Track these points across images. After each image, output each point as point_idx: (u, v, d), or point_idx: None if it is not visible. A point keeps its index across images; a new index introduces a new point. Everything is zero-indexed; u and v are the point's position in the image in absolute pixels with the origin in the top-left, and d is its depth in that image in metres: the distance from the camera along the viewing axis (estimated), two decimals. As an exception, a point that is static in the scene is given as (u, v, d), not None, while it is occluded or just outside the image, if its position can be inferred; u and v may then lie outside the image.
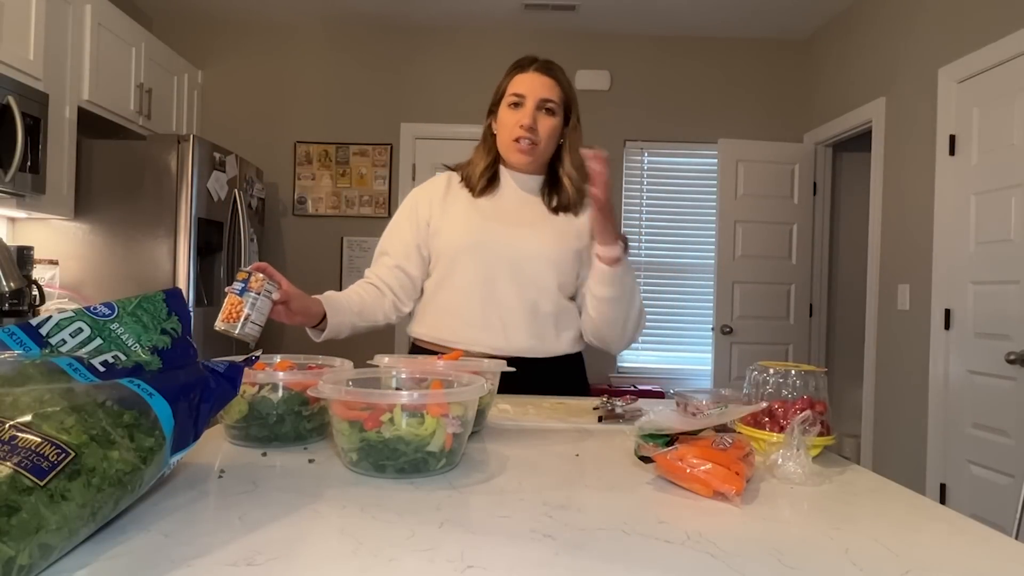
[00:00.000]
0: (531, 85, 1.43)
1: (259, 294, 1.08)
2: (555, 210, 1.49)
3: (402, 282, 1.50)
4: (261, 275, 1.09)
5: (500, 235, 1.44)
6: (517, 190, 1.51)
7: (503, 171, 1.52)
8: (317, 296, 1.33)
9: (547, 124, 1.43)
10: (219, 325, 1.07)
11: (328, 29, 4.26)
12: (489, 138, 1.52)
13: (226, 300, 1.07)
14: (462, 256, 1.45)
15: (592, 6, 3.90)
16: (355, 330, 1.42)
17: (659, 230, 4.34)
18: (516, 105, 1.43)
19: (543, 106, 1.42)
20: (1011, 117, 2.60)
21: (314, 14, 4.15)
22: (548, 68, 1.46)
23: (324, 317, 1.32)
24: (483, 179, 1.49)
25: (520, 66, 1.46)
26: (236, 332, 1.06)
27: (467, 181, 1.52)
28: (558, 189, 1.49)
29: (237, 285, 1.07)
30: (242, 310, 1.06)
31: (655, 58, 4.29)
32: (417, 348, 1.51)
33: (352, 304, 1.41)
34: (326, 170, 4.26)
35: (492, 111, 1.51)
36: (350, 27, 4.25)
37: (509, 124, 1.44)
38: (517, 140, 1.43)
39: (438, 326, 1.48)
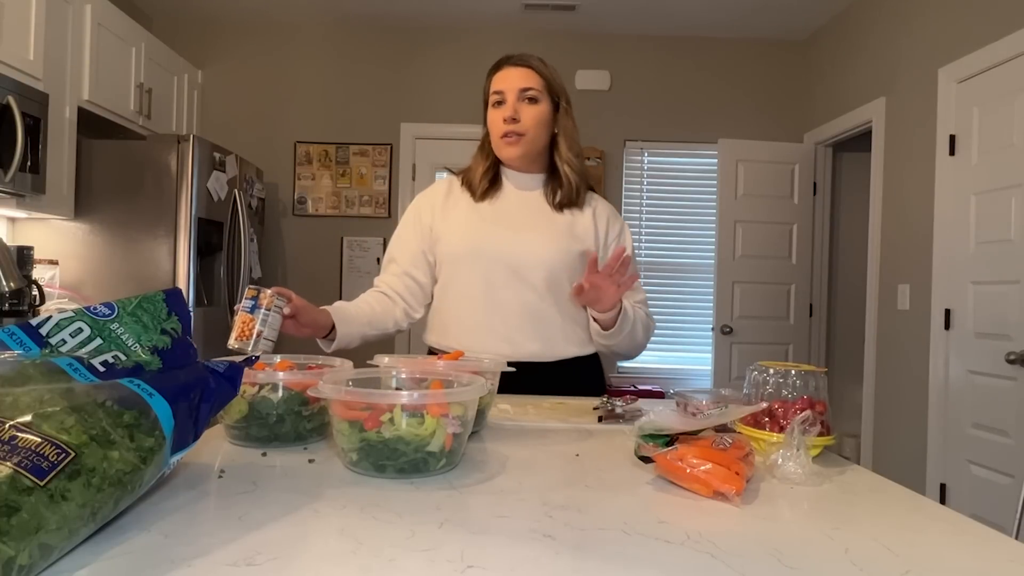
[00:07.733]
0: (507, 80, 1.44)
1: (269, 310, 1.10)
2: (559, 206, 1.48)
3: (411, 288, 1.51)
4: (270, 291, 1.11)
5: (499, 240, 1.44)
6: (518, 191, 1.50)
7: (504, 171, 1.52)
8: (326, 307, 1.33)
9: (531, 112, 1.43)
10: (232, 344, 1.08)
11: (328, 29, 4.26)
12: (486, 143, 1.53)
13: (237, 318, 1.09)
14: (462, 262, 1.45)
15: (592, 6, 3.89)
16: (365, 339, 1.42)
17: (659, 230, 4.34)
18: (498, 103, 1.44)
19: (523, 96, 1.43)
20: (1011, 117, 2.60)
21: (314, 14, 4.14)
22: (523, 59, 1.46)
23: (333, 328, 1.32)
24: (484, 181, 1.49)
25: (497, 66, 1.48)
26: (250, 350, 1.07)
27: (468, 185, 1.52)
28: (559, 183, 1.49)
29: (247, 303, 1.09)
30: (254, 327, 1.08)
31: (655, 58, 4.29)
32: (433, 353, 1.51)
33: (362, 314, 1.41)
34: (326, 170, 4.26)
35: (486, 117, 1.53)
36: (350, 27, 4.25)
37: (495, 123, 1.45)
38: (504, 136, 1.43)
39: (446, 333, 1.48)
